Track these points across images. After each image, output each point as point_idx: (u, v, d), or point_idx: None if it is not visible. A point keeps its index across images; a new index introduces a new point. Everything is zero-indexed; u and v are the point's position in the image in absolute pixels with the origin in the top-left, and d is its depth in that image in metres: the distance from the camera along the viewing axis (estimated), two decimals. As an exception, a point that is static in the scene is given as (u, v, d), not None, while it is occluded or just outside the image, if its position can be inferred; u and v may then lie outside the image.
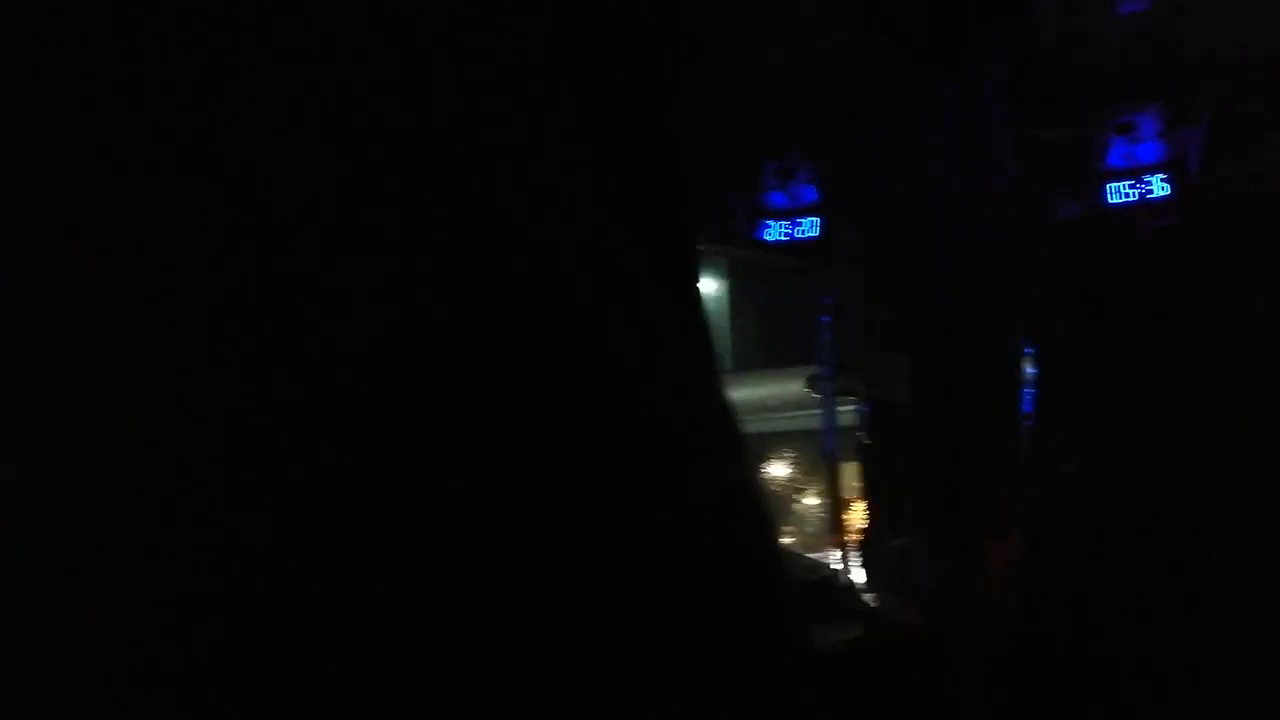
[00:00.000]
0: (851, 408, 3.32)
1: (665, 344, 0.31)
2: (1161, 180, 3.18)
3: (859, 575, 2.95)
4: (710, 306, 3.77)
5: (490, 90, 0.30)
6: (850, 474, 3.18)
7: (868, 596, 2.76)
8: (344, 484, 0.25)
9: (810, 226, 3.92)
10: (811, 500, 3.65)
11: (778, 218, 3.93)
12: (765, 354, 4.06)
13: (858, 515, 3.10)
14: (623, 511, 0.28)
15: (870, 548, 2.94)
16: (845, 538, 3.08)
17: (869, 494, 3.05)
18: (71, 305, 0.25)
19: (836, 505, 3.07)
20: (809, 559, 3.27)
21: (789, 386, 3.74)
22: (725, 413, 0.33)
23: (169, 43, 0.26)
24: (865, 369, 3.08)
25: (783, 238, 3.92)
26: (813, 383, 3.61)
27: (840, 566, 3.09)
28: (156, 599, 0.24)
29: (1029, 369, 3.08)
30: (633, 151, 0.37)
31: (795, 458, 3.80)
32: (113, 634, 0.24)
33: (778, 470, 3.61)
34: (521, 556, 0.26)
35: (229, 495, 0.24)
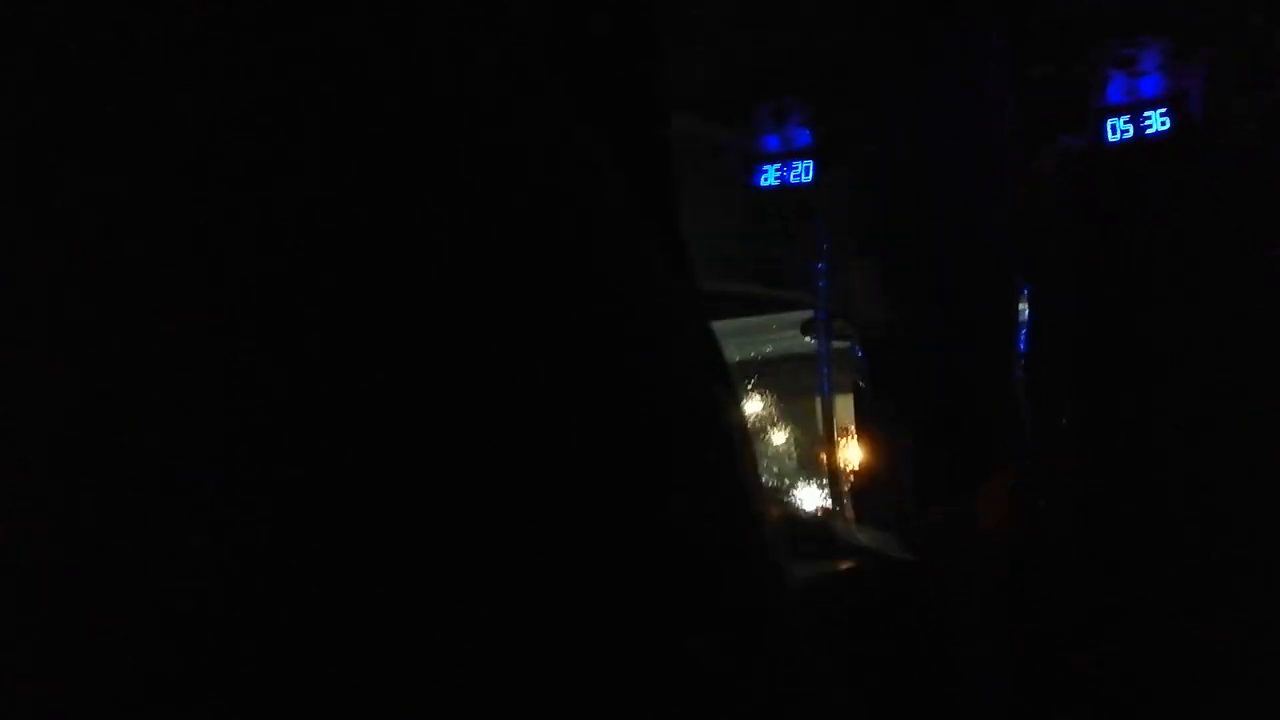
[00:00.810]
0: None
1: (661, 310, 0.31)
2: (1161, 115, 3.13)
3: (850, 512, 2.94)
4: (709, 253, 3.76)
5: (484, 77, 0.29)
6: (836, 410, 3.17)
7: (860, 534, 2.74)
8: (343, 483, 0.25)
9: (805, 171, 3.88)
10: (781, 436, 3.62)
11: (771, 161, 3.89)
12: (759, 301, 4.04)
13: (850, 452, 3.08)
14: (619, 494, 0.28)
15: (863, 485, 2.92)
16: (837, 474, 3.07)
17: (862, 432, 3.03)
18: (69, 305, 0.25)
19: (831, 442, 3.06)
20: (795, 497, 3.26)
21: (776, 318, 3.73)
22: (710, 351, 0.34)
23: (167, 42, 0.26)
24: (841, 279, 3.06)
25: (776, 182, 3.89)
26: (808, 327, 3.59)
27: (831, 503, 3.08)
28: (154, 600, 0.24)
29: (1025, 309, 3.05)
30: (619, 114, 0.37)
31: (770, 390, 3.78)
32: (111, 635, 0.24)
33: (751, 405, 3.59)
34: (521, 540, 0.26)
35: (228, 495, 0.24)
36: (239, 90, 0.26)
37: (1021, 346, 3.05)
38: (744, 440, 0.33)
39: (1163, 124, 3.07)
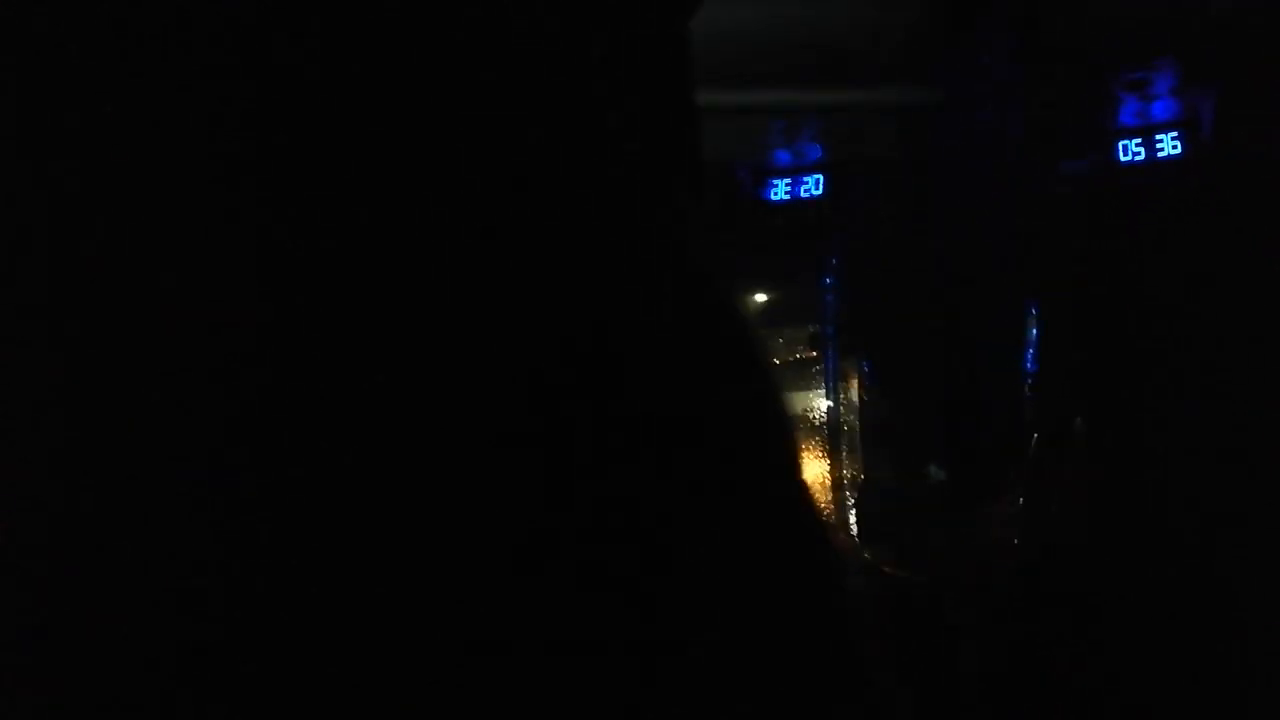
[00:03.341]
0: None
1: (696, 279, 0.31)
2: (1173, 139, 3.14)
3: (854, 528, 2.94)
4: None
5: (525, 65, 0.29)
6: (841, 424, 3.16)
7: (865, 551, 2.74)
8: (344, 483, 0.25)
9: (815, 185, 3.89)
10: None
11: (782, 175, 3.90)
12: (769, 313, 4.04)
13: (854, 468, 3.09)
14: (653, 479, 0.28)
15: (867, 501, 2.92)
16: (841, 490, 3.07)
17: (866, 448, 3.03)
18: (75, 307, 0.24)
19: (835, 457, 3.05)
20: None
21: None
22: (746, 329, 0.35)
23: (168, 42, 0.26)
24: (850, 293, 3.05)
25: (786, 196, 3.89)
26: (814, 340, 3.59)
27: (835, 519, 3.08)
28: (153, 599, 0.24)
29: (1033, 327, 3.05)
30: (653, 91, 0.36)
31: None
32: (109, 634, 0.23)
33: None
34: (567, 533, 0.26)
35: (230, 495, 0.24)
36: (239, 91, 0.26)
37: (1029, 365, 3.05)
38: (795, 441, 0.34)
39: (1174, 148, 3.07)
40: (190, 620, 0.24)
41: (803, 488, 0.34)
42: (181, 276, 0.25)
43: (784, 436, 0.33)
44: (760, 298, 3.75)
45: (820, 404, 3.39)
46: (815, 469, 3.38)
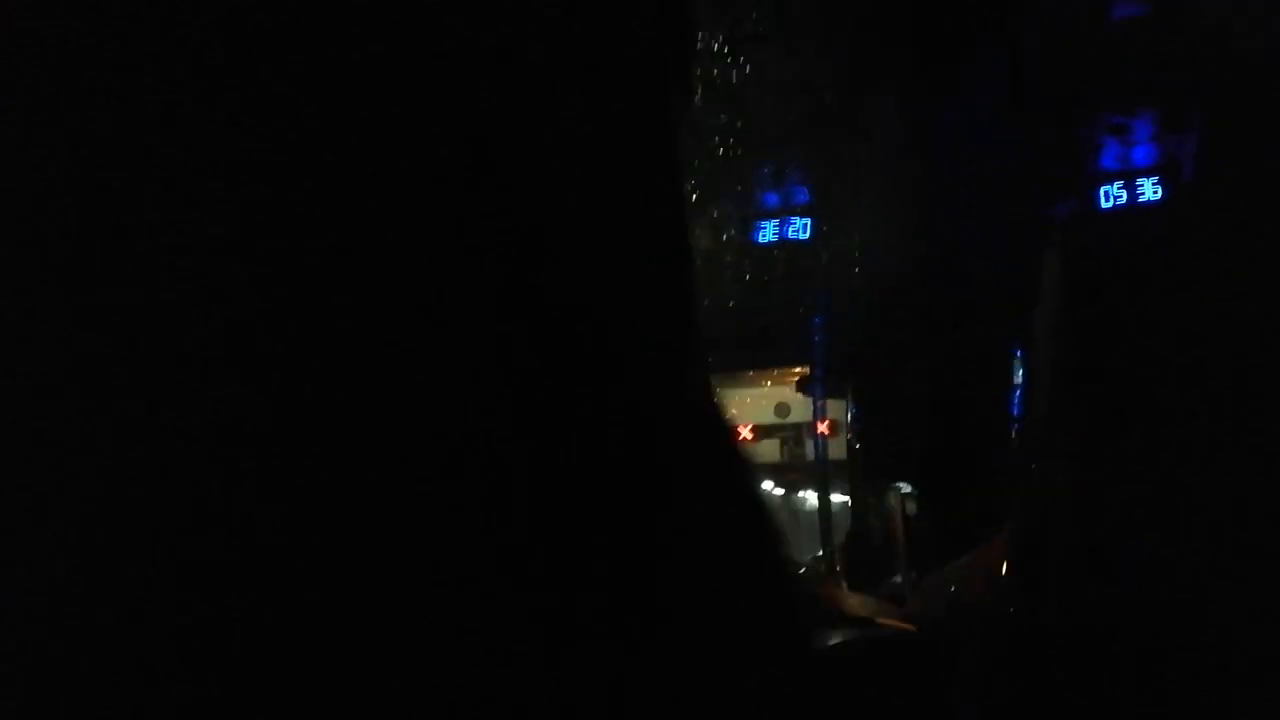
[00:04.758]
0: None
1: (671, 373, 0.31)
2: (1154, 184, 3.17)
3: (843, 576, 2.94)
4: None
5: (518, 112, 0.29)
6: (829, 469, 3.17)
7: (853, 600, 2.74)
8: (344, 491, 0.25)
9: (802, 228, 3.91)
10: (772, 497, 3.59)
11: (770, 218, 3.92)
12: (754, 356, 4.05)
13: (843, 514, 3.09)
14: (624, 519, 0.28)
15: (856, 548, 2.93)
16: (829, 536, 3.07)
17: (854, 494, 3.04)
18: (81, 315, 0.25)
19: (825, 507, 3.06)
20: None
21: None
22: (720, 420, 0.34)
23: (178, 52, 0.26)
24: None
25: (774, 238, 3.92)
26: (801, 382, 3.60)
27: (823, 566, 3.08)
28: (160, 598, 0.24)
29: (1019, 371, 3.07)
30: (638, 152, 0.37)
31: (762, 448, 3.76)
32: (114, 634, 0.24)
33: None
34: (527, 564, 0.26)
35: (229, 502, 0.24)
36: (256, 97, 0.26)
37: (1015, 409, 3.06)
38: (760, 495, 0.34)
39: (1155, 192, 3.10)
40: (191, 619, 0.24)
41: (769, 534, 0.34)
42: (184, 284, 0.25)
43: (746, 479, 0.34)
44: (747, 339, 3.76)
45: (807, 448, 3.40)
46: (803, 516, 3.38)
